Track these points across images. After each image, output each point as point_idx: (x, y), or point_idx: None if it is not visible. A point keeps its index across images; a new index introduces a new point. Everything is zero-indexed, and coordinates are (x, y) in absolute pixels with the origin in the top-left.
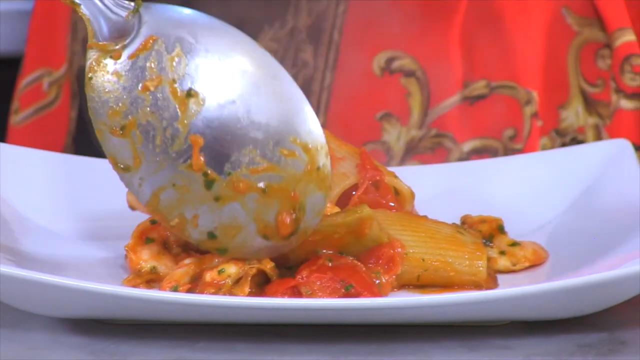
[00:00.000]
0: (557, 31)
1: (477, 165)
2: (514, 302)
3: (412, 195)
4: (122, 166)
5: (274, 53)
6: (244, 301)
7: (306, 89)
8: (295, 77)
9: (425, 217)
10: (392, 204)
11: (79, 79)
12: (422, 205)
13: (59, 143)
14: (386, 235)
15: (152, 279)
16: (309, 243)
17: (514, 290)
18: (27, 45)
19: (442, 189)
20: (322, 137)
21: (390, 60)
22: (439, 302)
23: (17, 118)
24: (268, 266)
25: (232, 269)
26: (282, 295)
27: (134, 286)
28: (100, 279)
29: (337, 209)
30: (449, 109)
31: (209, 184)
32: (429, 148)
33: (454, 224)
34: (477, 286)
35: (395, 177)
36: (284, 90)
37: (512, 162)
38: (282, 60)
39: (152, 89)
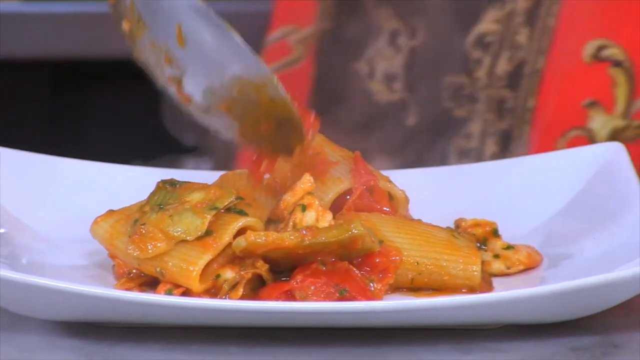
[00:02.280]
0: None
1: (471, 168)
2: (507, 305)
3: (406, 199)
4: None
5: (494, 34)
6: (238, 304)
7: (518, 71)
8: (509, 59)
9: (419, 220)
10: (387, 209)
11: (327, 41)
12: (416, 209)
13: (301, 101)
14: (378, 244)
15: (145, 282)
16: (300, 254)
17: (508, 293)
18: (275, 2)
19: (436, 193)
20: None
21: (600, 49)
22: (432, 305)
23: None
24: (263, 269)
25: (228, 274)
26: (277, 299)
27: (127, 289)
28: (94, 282)
29: (329, 214)
30: None
31: None
32: (631, 139)
33: (448, 227)
34: (471, 290)
35: (390, 181)
36: None
37: (506, 165)
38: (500, 42)
39: None
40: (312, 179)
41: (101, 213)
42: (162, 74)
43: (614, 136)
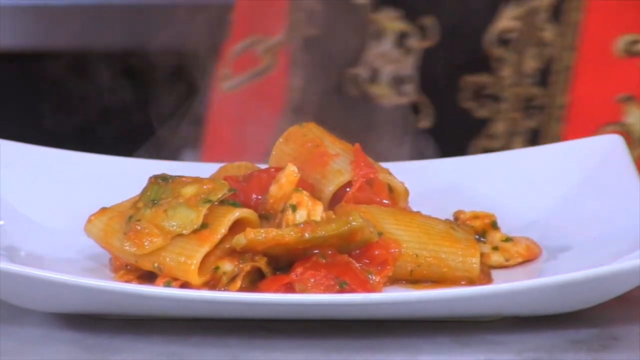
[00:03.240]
0: None
1: (470, 160)
2: (506, 297)
3: (406, 192)
4: None
5: (515, 32)
6: (238, 296)
7: (547, 68)
8: (536, 57)
9: (418, 213)
10: (386, 201)
11: (305, 50)
12: (415, 201)
13: (275, 109)
14: (377, 235)
15: (143, 274)
16: (300, 249)
17: (507, 285)
18: (235, 13)
19: (435, 185)
20: None
21: (632, 44)
22: (431, 297)
23: (229, 84)
24: (262, 262)
25: (227, 267)
26: (276, 292)
27: (127, 281)
28: (93, 274)
29: (320, 206)
30: None
31: None
32: None
33: (447, 220)
34: (470, 282)
35: (390, 174)
36: None
37: (505, 157)
38: (523, 39)
39: None
40: (296, 169)
41: (101, 205)
42: None
43: None
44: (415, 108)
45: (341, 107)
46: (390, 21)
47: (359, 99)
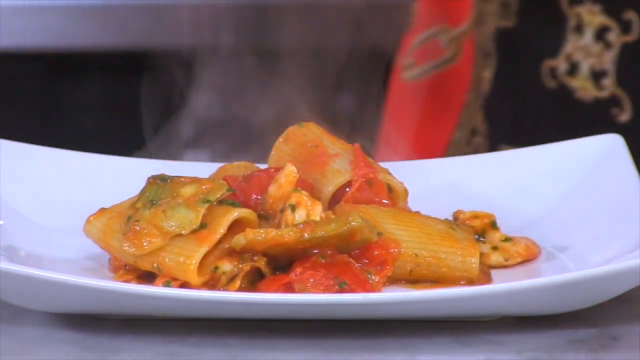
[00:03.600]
0: None
1: (469, 160)
2: (505, 297)
3: (406, 192)
4: None
5: None
6: (236, 296)
7: None
8: None
9: (418, 213)
10: (386, 201)
11: (495, 41)
12: (414, 201)
13: (456, 101)
14: (376, 234)
15: (143, 274)
16: (299, 249)
17: (506, 285)
18: (419, 3)
19: (434, 185)
20: None
21: None
22: (431, 297)
23: (411, 74)
24: (261, 262)
25: (226, 267)
26: (276, 291)
27: (126, 281)
28: (93, 274)
29: (319, 206)
30: None
31: None
32: None
33: (446, 219)
34: (470, 282)
35: (389, 174)
36: None
37: (504, 157)
38: None
39: None
40: (295, 169)
41: (101, 205)
42: None
43: None
44: (614, 102)
45: (534, 98)
46: (591, 15)
47: (557, 91)
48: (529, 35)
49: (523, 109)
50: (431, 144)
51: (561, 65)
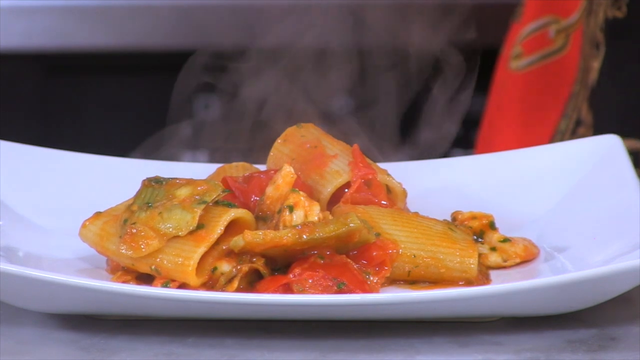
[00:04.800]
0: None
1: (468, 161)
2: (504, 298)
3: (404, 193)
4: None
5: None
6: (235, 297)
7: None
8: None
9: (416, 213)
10: (384, 202)
11: (604, 31)
12: (413, 202)
13: (562, 91)
14: (374, 235)
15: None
16: (298, 250)
17: (505, 286)
18: None
19: (432, 186)
20: None
21: None
22: (429, 297)
23: (519, 63)
24: (260, 263)
25: (225, 267)
26: (274, 292)
27: (125, 282)
28: (91, 275)
29: (317, 206)
30: None
31: None
32: None
33: (445, 220)
34: (468, 282)
35: (388, 175)
36: None
37: (502, 158)
38: None
39: None
40: (292, 170)
41: (100, 206)
42: None
43: None
44: None
45: None
46: None
47: None
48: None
49: (630, 100)
50: (536, 135)
51: None
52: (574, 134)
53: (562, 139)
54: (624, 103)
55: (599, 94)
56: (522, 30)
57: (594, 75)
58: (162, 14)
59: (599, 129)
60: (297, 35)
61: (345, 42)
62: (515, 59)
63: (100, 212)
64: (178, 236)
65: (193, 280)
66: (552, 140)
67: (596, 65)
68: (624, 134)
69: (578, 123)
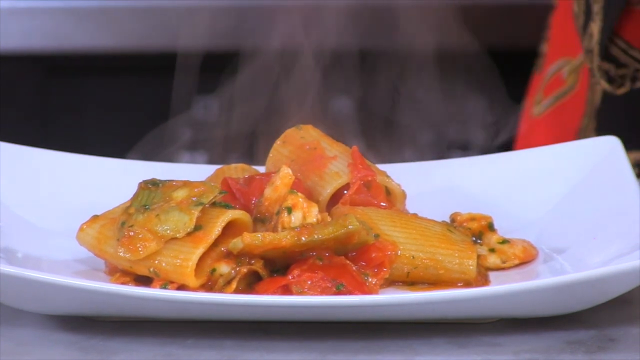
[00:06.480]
0: None
1: (466, 162)
2: (503, 299)
3: (404, 194)
4: None
5: None
6: (235, 299)
7: None
8: None
9: (415, 214)
10: (383, 204)
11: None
12: (411, 203)
13: (572, 127)
14: (373, 237)
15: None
16: (297, 252)
17: (504, 287)
18: (550, 39)
19: (432, 187)
20: None
21: None
22: (428, 299)
23: (540, 109)
24: (258, 264)
25: (224, 269)
26: (273, 293)
27: (123, 283)
28: (91, 277)
29: (315, 207)
30: None
31: None
32: None
33: (443, 221)
34: (467, 284)
35: (387, 176)
36: None
37: (501, 159)
38: None
39: None
40: (290, 171)
41: (99, 207)
42: None
43: None
44: None
45: None
46: None
47: None
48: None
49: (634, 116)
50: None
51: None
52: None
53: None
54: (628, 118)
55: (603, 114)
56: (543, 78)
57: (598, 99)
58: (161, 14)
59: None
60: (297, 36)
61: (345, 42)
62: (537, 105)
63: (97, 215)
64: (176, 238)
65: (192, 281)
66: None
67: (600, 88)
68: (629, 147)
69: None
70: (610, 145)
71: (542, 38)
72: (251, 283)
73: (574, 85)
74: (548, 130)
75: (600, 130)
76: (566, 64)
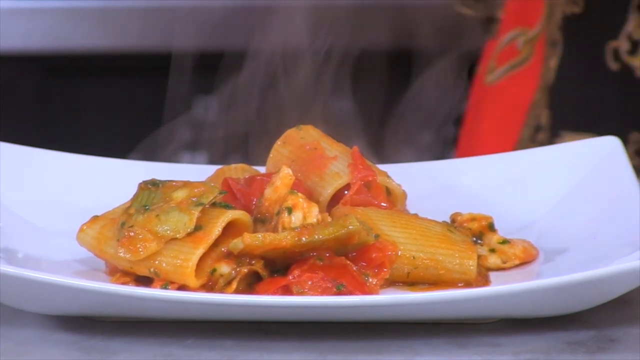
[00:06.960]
0: None
1: (467, 163)
2: (503, 299)
3: (404, 194)
4: None
5: None
6: (235, 299)
7: None
8: None
9: (415, 215)
10: (384, 204)
11: (562, 29)
12: (412, 203)
13: (525, 100)
14: (373, 237)
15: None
16: (297, 252)
17: (504, 287)
18: (506, 5)
19: (432, 187)
20: None
21: None
22: (428, 299)
23: (492, 77)
24: (259, 265)
25: (224, 269)
26: (273, 294)
27: (123, 283)
28: (91, 277)
29: (315, 208)
30: None
31: None
32: None
33: (444, 222)
34: (468, 284)
35: (388, 176)
36: None
37: (502, 159)
38: None
39: None
40: (290, 172)
41: (99, 207)
42: None
43: None
44: None
45: (598, 83)
46: None
47: (620, 73)
48: (595, 18)
49: (587, 94)
50: (501, 145)
51: (623, 45)
52: (533, 141)
53: (522, 146)
54: (580, 98)
55: (557, 90)
56: (497, 45)
57: (551, 74)
58: (161, 15)
59: (557, 126)
60: (297, 36)
61: (343, 43)
62: (489, 73)
63: (97, 216)
64: (176, 238)
65: (192, 281)
66: (515, 149)
67: (553, 63)
68: (581, 129)
69: (537, 129)
70: (610, 145)
71: (498, 3)
72: (251, 283)
73: (528, 57)
74: (500, 100)
75: (553, 108)
76: (522, 34)
